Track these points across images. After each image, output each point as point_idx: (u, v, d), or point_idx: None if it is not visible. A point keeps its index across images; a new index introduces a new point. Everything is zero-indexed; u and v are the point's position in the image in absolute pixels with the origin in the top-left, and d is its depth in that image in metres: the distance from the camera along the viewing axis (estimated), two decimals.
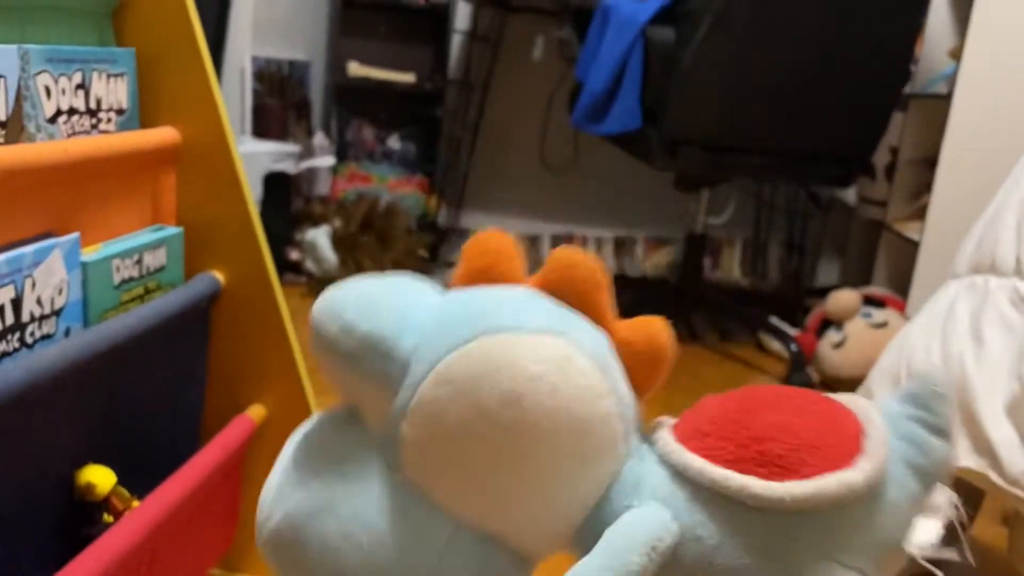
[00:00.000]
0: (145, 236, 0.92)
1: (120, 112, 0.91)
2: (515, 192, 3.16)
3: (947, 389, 0.60)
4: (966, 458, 1.01)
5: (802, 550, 0.55)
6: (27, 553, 0.77)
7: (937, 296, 1.19)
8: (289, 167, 2.70)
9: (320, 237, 2.58)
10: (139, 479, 0.85)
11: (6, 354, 0.72)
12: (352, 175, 2.96)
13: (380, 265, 2.54)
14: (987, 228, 1.15)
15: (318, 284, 2.58)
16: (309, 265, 2.61)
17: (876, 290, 2.34)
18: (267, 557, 0.62)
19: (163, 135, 0.95)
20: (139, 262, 0.89)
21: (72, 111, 0.83)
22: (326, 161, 2.82)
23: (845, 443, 0.57)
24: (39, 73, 0.78)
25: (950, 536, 0.59)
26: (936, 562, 0.59)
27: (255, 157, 2.53)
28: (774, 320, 2.42)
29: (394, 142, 3.18)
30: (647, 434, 0.61)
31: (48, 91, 0.80)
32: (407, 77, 3.02)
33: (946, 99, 2.03)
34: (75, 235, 0.79)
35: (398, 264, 2.56)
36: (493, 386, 0.54)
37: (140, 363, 0.89)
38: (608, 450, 0.56)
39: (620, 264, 3.18)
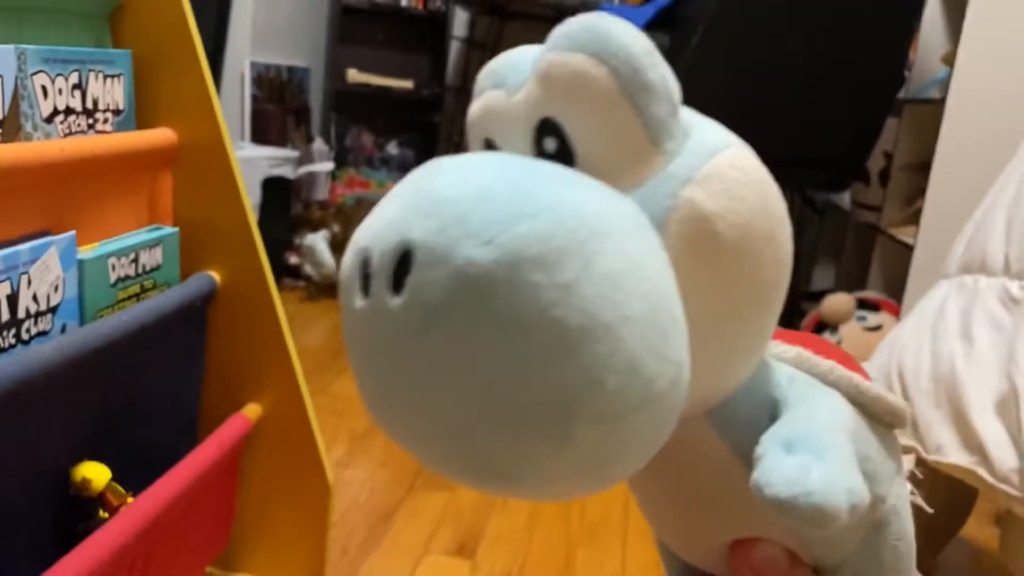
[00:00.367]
0: (141, 235, 0.93)
1: (117, 112, 0.92)
2: None
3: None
4: (956, 455, 1.02)
5: (892, 463, 0.57)
6: (22, 548, 0.78)
7: (928, 296, 1.20)
8: (288, 172, 2.72)
9: (319, 242, 2.60)
10: (135, 476, 0.85)
11: (2, 350, 0.73)
12: (351, 180, 2.97)
13: None
14: (977, 228, 1.16)
15: (316, 289, 2.59)
16: (308, 270, 2.62)
17: (871, 294, 2.34)
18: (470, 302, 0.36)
19: (159, 136, 0.96)
20: (135, 261, 0.90)
21: (69, 111, 0.84)
22: (325, 166, 2.83)
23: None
24: (36, 73, 0.79)
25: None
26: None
27: (254, 162, 2.54)
28: None
29: (392, 148, 3.19)
30: None
31: (45, 91, 0.81)
32: (405, 83, 3.04)
33: (939, 104, 2.04)
34: (71, 233, 0.80)
35: None
36: (774, 189, 0.47)
37: (136, 361, 0.90)
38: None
39: None
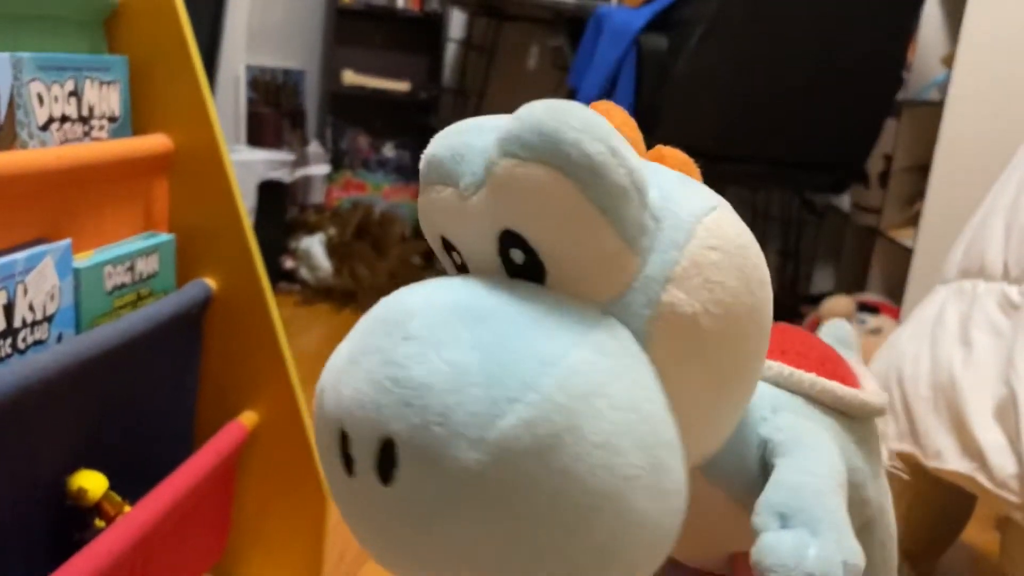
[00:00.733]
0: (137, 243, 0.92)
1: (112, 119, 0.91)
2: None
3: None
4: (955, 462, 1.02)
5: (875, 462, 0.58)
6: (18, 557, 0.77)
7: (926, 301, 1.19)
8: (284, 175, 2.71)
9: (315, 245, 2.59)
10: (131, 484, 0.85)
11: None
12: (347, 183, 2.96)
13: (375, 273, 2.54)
14: (975, 233, 1.16)
15: (312, 293, 2.59)
16: (303, 273, 2.61)
17: (870, 296, 2.34)
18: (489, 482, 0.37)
19: (155, 142, 0.95)
20: (131, 268, 0.90)
21: (64, 118, 0.84)
22: (321, 169, 2.83)
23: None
24: (31, 81, 0.78)
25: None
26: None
27: (250, 165, 2.53)
28: None
29: (389, 150, 3.19)
30: None
31: (40, 99, 0.80)
32: (402, 86, 3.03)
33: (939, 106, 2.04)
34: (67, 241, 0.79)
35: (393, 272, 2.56)
36: (753, 253, 0.45)
37: (132, 369, 0.89)
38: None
39: None
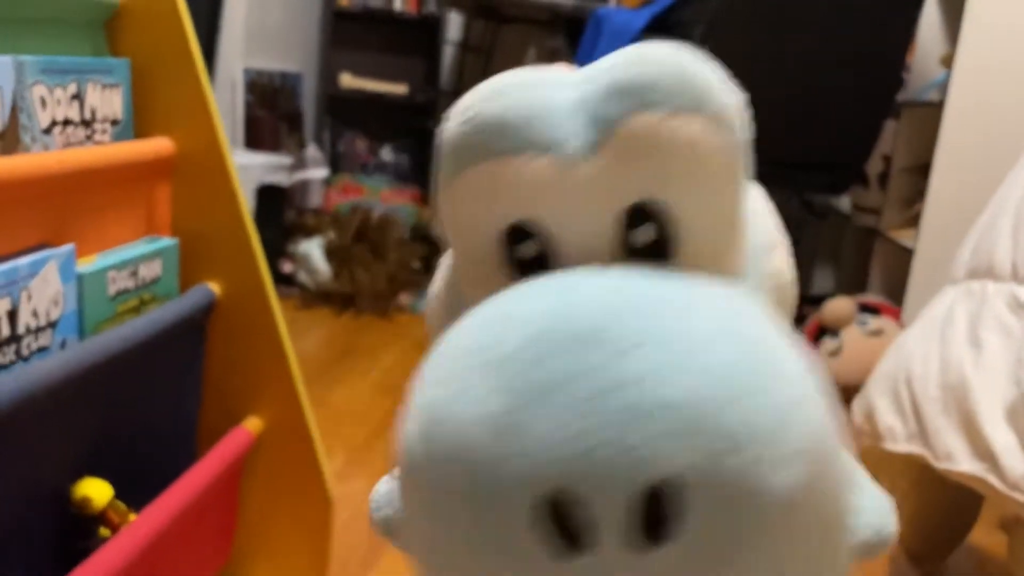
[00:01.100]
0: (140, 247, 0.91)
1: (115, 123, 0.90)
2: None
3: None
4: (966, 463, 1.01)
5: None
6: (23, 566, 0.76)
7: (934, 302, 1.19)
8: (282, 179, 2.70)
9: (313, 249, 2.58)
10: (136, 492, 0.84)
11: (2, 367, 0.71)
12: (345, 187, 2.95)
13: (374, 277, 2.53)
14: (983, 233, 1.15)
15: (311, 297, 2.58)
16: (302, 277, 2.60)
17: (871, 298, 2.34)
18: None
19: (158, 146, 0.94)
20: (134, 273, 0.89)
21: (67, 122, 0.83)
22: (319, 173, 2.82)
23: None
24: (34, 84, 0.77)
25: None
26: None
27: (248, 169, 2.52)
28: None
29: (387, 153, 3.18)
30: None
31: (43, 102, 0.79)
32: (399, 88, 3.02)
33: (938, 107, 2.03)
34: (70, 246, 0.78)
35: (392, 276, 2.55)
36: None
37: (136, 375, 0.88)
38: None
39: None
